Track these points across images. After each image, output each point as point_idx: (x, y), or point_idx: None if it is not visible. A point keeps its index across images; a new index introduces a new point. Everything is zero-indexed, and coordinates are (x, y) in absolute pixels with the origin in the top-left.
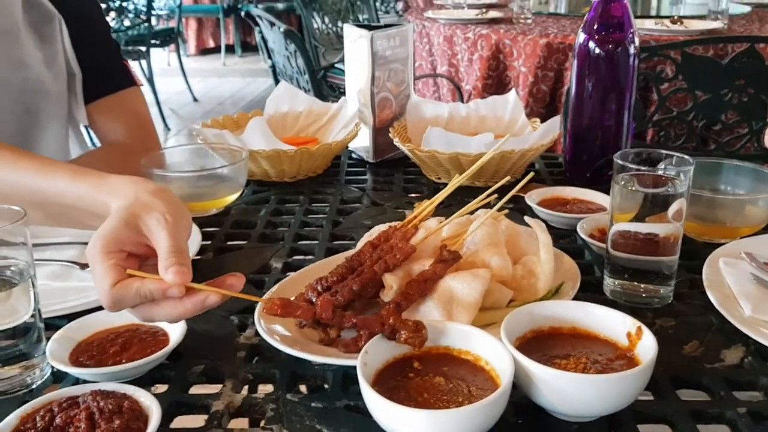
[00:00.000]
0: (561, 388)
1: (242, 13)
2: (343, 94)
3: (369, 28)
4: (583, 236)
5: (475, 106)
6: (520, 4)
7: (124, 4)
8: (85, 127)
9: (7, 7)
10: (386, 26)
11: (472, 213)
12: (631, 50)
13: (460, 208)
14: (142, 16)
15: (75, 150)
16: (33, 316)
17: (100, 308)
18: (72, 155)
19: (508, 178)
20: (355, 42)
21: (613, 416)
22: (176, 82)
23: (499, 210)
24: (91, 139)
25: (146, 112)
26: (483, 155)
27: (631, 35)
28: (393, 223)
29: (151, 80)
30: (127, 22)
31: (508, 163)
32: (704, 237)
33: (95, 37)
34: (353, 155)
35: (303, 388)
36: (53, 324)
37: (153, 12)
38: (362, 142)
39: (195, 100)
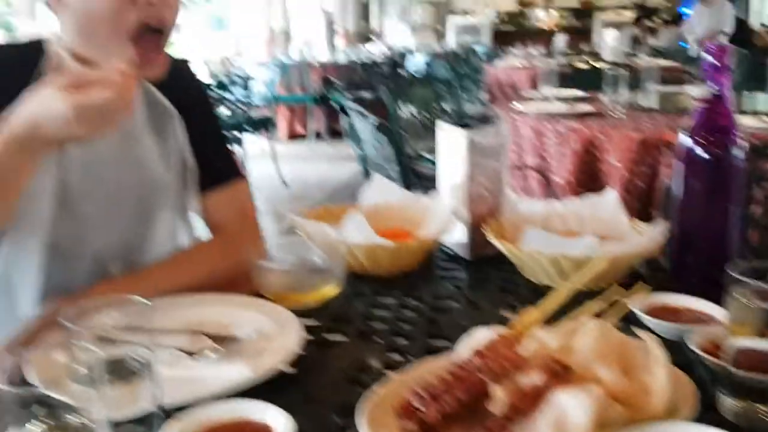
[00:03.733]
0: None
1: (335, 105)
2: (430, 182)
3: (463, 125)
4: (696, 350)
5: (573, 205)
6: (611, 98)
7: (226, 95)
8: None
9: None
10: (481, 123)
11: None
12: (738, 152)
13: (562, 313)
14: (241, 106)
15: (183, 239)
16: (154, 405)
17: (209, 400)
18: (180, 244)
19: (613, 284)
20: (450, 138)
21: None
22: (267, 166)
23: (606, 318)
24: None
25: (252, 205)
26: (586, 258)
27: (736, 137)
28: (498, 329)
29: (244, 164)
30: (227, 111)
31: (611, 267)
32: None
33: (208, 132)
34: (447, 251)
35: None
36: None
37: (251, 102)
38: (456, 238)
39: (284, 183)
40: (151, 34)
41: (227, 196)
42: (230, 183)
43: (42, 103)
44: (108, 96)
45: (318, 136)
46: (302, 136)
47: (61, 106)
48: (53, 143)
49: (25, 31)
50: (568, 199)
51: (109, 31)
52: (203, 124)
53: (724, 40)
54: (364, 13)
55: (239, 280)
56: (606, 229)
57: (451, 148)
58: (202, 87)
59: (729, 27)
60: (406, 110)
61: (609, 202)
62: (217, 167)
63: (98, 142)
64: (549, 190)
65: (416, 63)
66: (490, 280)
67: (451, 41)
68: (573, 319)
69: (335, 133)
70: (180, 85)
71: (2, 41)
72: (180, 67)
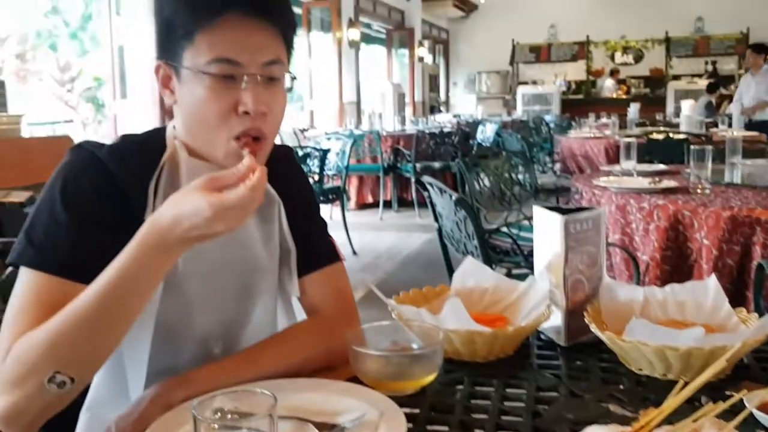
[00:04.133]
0: None
1: (405, 175)
2: (508, 256)
3: (560, 210)
4: None
5: (672, 291)
6: (697, 173)
7: (303, 166)
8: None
9: None
10: (578, 210)
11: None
12: None
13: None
14: (315, 176)
15: (282, 321)
16: None
17: None
18: (279, 326)
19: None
20: (546, 223)
21: None
22: (337, 235)
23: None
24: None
25: (349, 288)
26: (692, 350)
27: None
28: (615, 428)
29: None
30: None
31: (718, 359)
32: None
33: (308, 216)
34: (542, 336)
35: None
36: None
37: (324, 172)
38: (552, 324)
39: (354, 253)
40: (252, 139)
41: (325, 279)
42: (328, 266)
43: (183, 203)
44: (242, 194)
45: (387, 205)
46: (372, 206)
47: (202, 206)
48: (193, 240)
49: (114, 108)
50: (669, 286)
51: (214, 134)
52: (304, 209)
53: None
54: (432, 83)
55: (335, 364)
56: (708, 317)
57: (546, 232)
58: (303, 173)
59: None
60: (481, 183)
61: (710, 288)
62: (316, 251)
63: None
64: (635, 267)
65: (486, 133)
66: (589, 369)
67: (520, 111)
68: (692, 420)
69: (404, 203)
70: (282, 172)
71: (129, 132)
72: (282, 154)
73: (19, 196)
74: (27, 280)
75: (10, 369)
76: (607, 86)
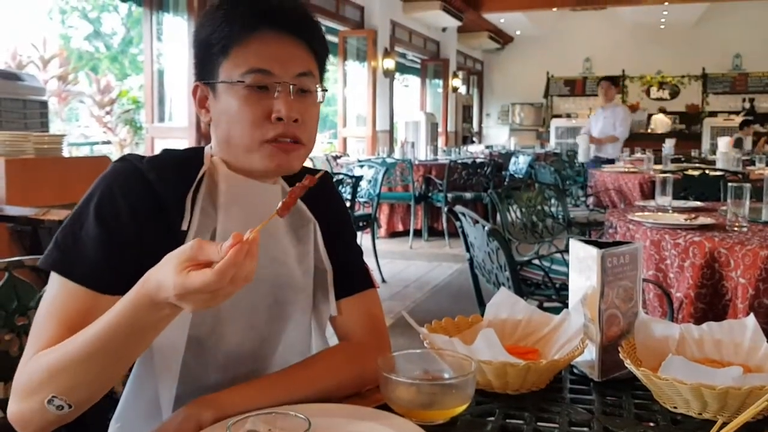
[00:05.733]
0: None
1: (436, 204)
2: (539, 289)
3: (597, 244)
4: None
5: (708, 329)
6: (734, 211)
7: None
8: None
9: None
10: (615, 243)
11: None
12: None
13: None
14: (347, 203)
15: (316, 342)
16: None
17: None
18: (313, 347)
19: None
20: (582, 257)
21: None
22: (367, 263)
23: None
24: None
25: (382, 315)
26: (730, 389)
27: None
28: None
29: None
30: None
31: (756, 399)
32: None
33: (344, 240)
34: (575, 370)
35: None
36: None
37: (356, 199)
38: (585, 358)
39: (383, 280)
40: (288, 141)
41: (358, 304)
42: (362, 291)
43: (162, 271)
44: (207, 279)
45: (417, 234)
46: (402, 234)
47: (169, 283)
48: (180, 307)
49: (152, 131)
50: (705, 324)
51: (248, 140)
52: (341, 233)
53: None
54: (466, 114)
55: (365, 389)
56: (746, 357)
57: (582, 265)
58: (340, 197)
59: None
60: (514, 215)
61: (748, 328)
62: (350, 276)
63: None
64: (668, 303)
65: (519, 165)
66: (623, 405)
67: (553, 143)
68: None
69: (434, 232)
70: (320, 195)
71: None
72: (323, 179)
73: (57, 214)
74: (55, 285)
75: (22, 381)
76: (661, 121)
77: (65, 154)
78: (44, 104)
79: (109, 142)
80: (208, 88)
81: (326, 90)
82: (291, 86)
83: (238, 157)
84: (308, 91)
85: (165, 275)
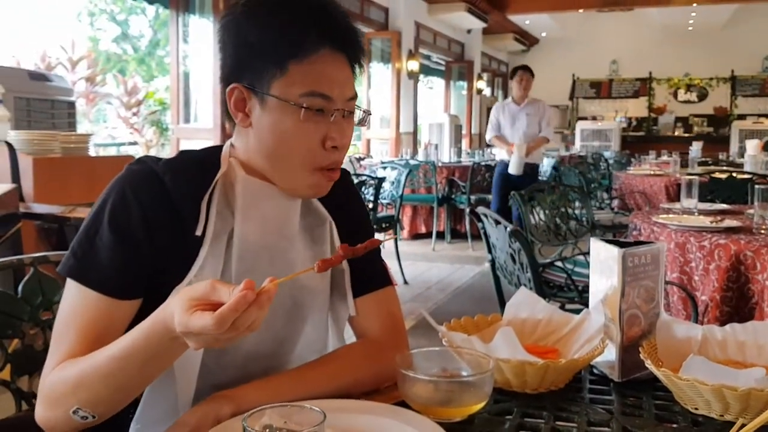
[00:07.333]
0: None
1: (459, 206)
2: (561, 291)
3: (618, 243)
4: None
5: (732, 331)
6: (761, 213)
7: None
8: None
9: (292, 217)
10: (637, 243)
11: None
12: None
13: None
14: (369, 204)
15: (333, 341)
16: None
17: None
18: (330, 346)
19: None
20: (604, 256)
21: None
22: (389, 264)
23: None
24: None
25: (400, 313)
26: (752, 390)
27: None
28: None
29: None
30: None
31: None
32: None
33: (362, 238)
34: (595, 370)
35: None
36: None
37: (378, 201)
38: (605, 358)
39: (405, 282)
40: (328, 169)
41: (376, 302)
42: (380, 289)
43: (175, 303)
44: (205, 323)
45: (440, 236)
46: (424, 236)
47: (177, 317)
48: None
49: (177, 132)
50: (729, 326)
51: (299, 165)
52: (359, 231)
53: None
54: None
55: (383, 387)
56: None
57: (603, 265)
58: (358, 196)
59: None
60: (537, 217)
61: None
62: (369, 273)
63: (253, 241)
64: (693, 306)
65: (543, 167)
66: (643, 406)
67: (579, 146)
68: None
69: (457, 235)
70: (340, 194)
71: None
72: (341, 176)
73: (83, 212)
74: (73, 291)
75: (47, 390)
76: (669, 124)
77: (92, 154)
78: (72, 105)
79: (135, 143)
80: (251, 94)
81: (369, 113)
82: (345, 112)
83: (282, 174)
84: (353, 113)
85: (175, 309)
